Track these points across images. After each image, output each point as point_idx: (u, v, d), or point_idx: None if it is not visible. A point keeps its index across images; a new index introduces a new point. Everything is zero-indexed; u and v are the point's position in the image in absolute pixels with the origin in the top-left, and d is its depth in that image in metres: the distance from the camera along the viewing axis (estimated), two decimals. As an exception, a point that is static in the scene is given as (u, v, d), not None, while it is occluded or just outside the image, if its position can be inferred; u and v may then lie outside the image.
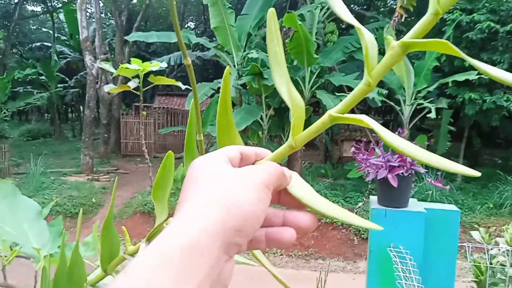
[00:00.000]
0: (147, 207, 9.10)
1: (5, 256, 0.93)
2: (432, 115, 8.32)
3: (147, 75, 1.64)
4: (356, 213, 2.58)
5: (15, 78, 16.21)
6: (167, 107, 17.68)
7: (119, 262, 0.49)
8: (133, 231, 7.96)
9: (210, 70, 22.20)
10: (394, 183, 1.99)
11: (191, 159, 0.51)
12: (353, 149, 2.34)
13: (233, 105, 11.86)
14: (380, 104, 9.34)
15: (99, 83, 13.49)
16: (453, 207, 2.19)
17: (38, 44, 23.32)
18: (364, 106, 14.74)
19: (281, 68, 0.42)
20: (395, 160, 2.05)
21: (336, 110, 0.41)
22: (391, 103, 9.75)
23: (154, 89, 17.81)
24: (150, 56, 20.04)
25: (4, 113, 15.23)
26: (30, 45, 24.06)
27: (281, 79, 0.42)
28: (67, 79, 20.93)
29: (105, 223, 0.52)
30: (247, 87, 9.49)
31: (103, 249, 0.51)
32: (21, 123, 26.96)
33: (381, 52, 0.33)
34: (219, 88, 9.91)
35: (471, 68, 7.55)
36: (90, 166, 12.13)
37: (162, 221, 0.49)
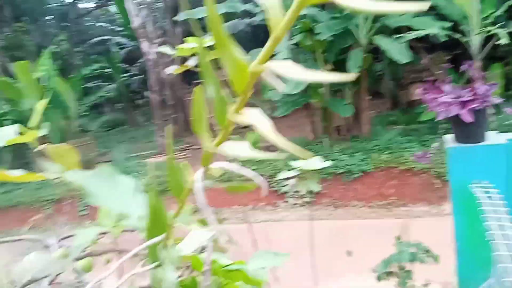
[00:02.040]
0: (223, 177, 9.45)
1: (114, 227, 1.06)
2: (504, 40, 7.61)
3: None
4: (432, 155, 2.50)
5: (84, 74, 17.23)
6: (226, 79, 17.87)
7: (188, 194, 0.55)
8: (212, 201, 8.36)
9: (261, 36, 21.94)
10: (468, 118, 1.91)
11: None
12: (420, 90, 2.26)
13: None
14: (444, 39, 8.71)
15: (158, 67, 13.96)
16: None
17: (97, 39, 24.45)
18: (427, 43, 13.81)
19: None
20: (467, 95, 1.96)
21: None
22: (457, 35, 9.04)
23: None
24: (204, 32, 20.19)
25: (82, 108, 16.36)
26: (90, 41, 25.30)
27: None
28: (130, 67, 21.89)
29: (168, 160, 0.59)
30: (300, 46, 9.29)
31: (172, 183, 0.58)
32: (98, 115, 28.79)
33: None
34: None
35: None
36: (164, 146, 12.79)
37: (208, 146, 0.55)
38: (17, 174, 0.87)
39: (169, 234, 0.63)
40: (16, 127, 1.21)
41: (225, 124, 0.52)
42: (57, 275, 1.00)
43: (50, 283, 0.66)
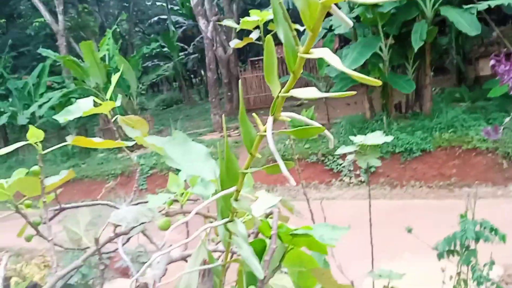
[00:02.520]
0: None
1: (181, 196, 1.11)
2: None
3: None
4: (502, 131, 2.35)
5: (143, 54, 17.81)
6: (281, 56, 17.71)
7: (259, 142, 0.57)
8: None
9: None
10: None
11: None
12: (492, 61, 2.13)
13: (348, 41, 11.38)
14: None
15: (214, 45, 14.11)
16: None
17: (155, 18, 25.07)
18: (498, 15, 12.81)
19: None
20: (547, 65, 1.81)
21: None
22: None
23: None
24: (258, 8, 20.09)
25: (140, 87, 16.99)
26: (149, 21, 26.01)
27: None
28: (186, 46, 22.32)
29: (240, 114, 0.62)
30: (361, 19, 8.96)
31: (244, 135, 0.60)
32: (155, 94, 29.83)
33: None
34: (331, 26, 9.57)
35: None
36: (221, 124, 13.02)
37: (278, 92, 0.56)
38: (99, 141, 0.93)
39: (240, 186, 0.66)
40: (91, 99, 1.30)
41: (295, 67, 0.53)
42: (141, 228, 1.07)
43: (142, 231, 0.73)
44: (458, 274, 2.22)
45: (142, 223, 0.88)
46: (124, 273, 6.09)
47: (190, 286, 0.94)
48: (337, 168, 9.14)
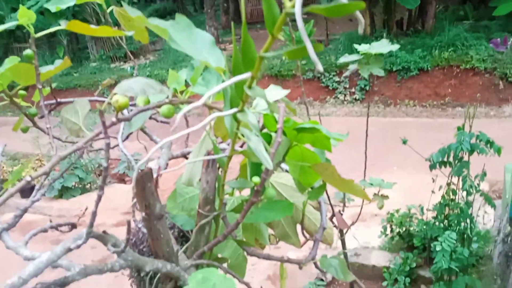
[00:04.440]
0: (273, 71, 9.37)
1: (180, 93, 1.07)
2: None
3: None
4: (506, 49, 2.28)
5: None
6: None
7: (282, 21, 0.53)
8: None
9: None
10: None
11: None
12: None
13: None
14: None
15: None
16: None
17: None
18: None
19: None
20: None
21: None
22: None
23: None
24: None
25: (133, -5, 16.10)
26: None
27: None
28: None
29: None
30: None
31: (267, 11, 0.55)
32: (148, 4, 28.37)
33: None
34: None
35: None
36: (216, 37, 12.59)
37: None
38: (95, 27, 0.87)
39: (256, 72, 0.62)
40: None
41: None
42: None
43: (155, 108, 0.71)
44: (448, 184, 2.29)
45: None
46: (121, 179, 6.27)
47: (194, 176, 0.95)
48: (332, 85, 9.06)
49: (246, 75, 0.62)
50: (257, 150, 0.74)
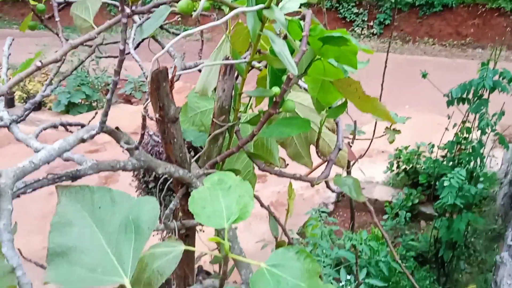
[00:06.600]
0: None
1: None
2: None
3: None
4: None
5: None
6: None
7: None
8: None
9: None
10: None
11: None
12: None
13: None
14: None
15: None
16: None
17: None
18: None
19: None
20: None
21: None
22: None
23: None
24: None
25: None
26: None
27: None
28: None
29: None
30: None
31: None
32: None
33: None
34: None
35: None
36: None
37: None
38: None
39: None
40: None
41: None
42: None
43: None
44: (463, 122, 2.23)
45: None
46: (127, 99, 6.25)
47: (209, 84, 0.90)
48: (350, 17, 8.68)
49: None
50: (281, 53, 0.69)
